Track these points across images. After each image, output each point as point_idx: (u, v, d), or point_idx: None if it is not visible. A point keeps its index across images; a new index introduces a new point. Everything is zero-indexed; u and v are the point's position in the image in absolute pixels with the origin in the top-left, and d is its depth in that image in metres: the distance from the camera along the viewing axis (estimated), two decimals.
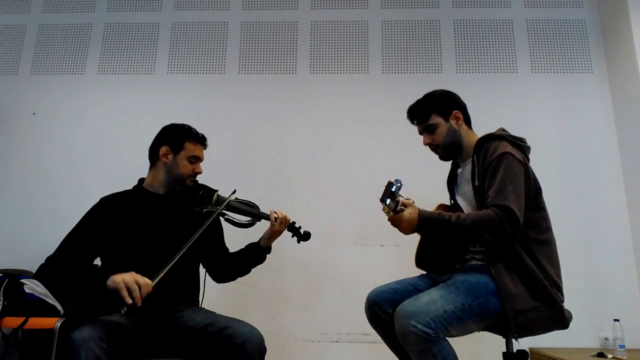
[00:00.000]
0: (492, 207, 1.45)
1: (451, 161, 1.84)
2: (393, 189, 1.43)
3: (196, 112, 2.88)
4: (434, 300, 1.43)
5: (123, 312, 1.37)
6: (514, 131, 1.69)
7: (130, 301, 1.37)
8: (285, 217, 1.80)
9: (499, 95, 2.86)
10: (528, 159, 1.64)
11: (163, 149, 1.76)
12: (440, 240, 1.66)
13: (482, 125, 1.77)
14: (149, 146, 1.82)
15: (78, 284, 1.54)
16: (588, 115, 2.82)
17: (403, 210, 1.50)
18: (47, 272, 1.56)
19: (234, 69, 3.00)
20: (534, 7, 3.02)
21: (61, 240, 1.64)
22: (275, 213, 1.79)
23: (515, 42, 2.96)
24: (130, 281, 1.39)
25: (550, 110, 2.84)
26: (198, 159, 1.80)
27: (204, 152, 1.84)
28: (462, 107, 1.75)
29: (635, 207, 2.62)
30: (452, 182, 1.83)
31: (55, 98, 2.97)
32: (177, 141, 1.77)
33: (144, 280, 1.41)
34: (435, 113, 1.71)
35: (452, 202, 1.83)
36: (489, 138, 1.62)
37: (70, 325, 1.82)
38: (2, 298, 2.10)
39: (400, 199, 1.49)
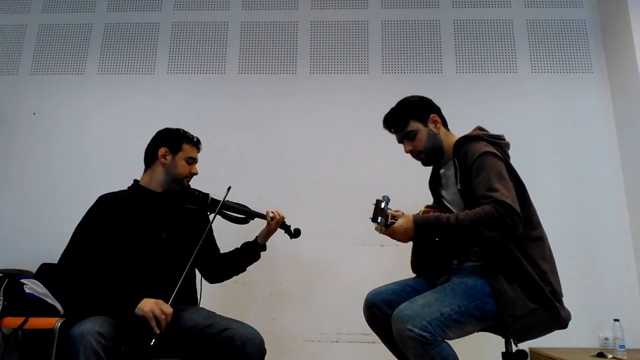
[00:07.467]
0: (488, 203, 1.43)
1: None
2: (382, 206, 1.50)
3: (196, 112, 2.89)
4: (429, 303, 1.43)
5: (152, 343, 1.42)
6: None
7: (158, 331, 1.44)
8: (282, 217, 1.89)
9: (499, 95, 2.86)
10: (508, 156, 1.61)
11: (162, 150, 1.81)
12: (436, 242, 1.66)
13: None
14: (145, 148, 1.86)
15: (98, 294, 1.56)
16: (588, 115, 2.82)
17: (394, 222, 1.54)
18: (64, 279, 1.60)
19: (234, 69, 3.00)
20: (534, 7, 3.02)
21: (60, 240, 1.65)
22: (272, 213, 1.88)
23: (515, 42, 2.96)
24: (157, 311, 1.46)
25: (550, 110, 2.83)
26: (194, 160, 1.87)
27: (198, 155, 1.90)
28: (438, 110, 1.74)
29: (635, 207, 2.62)
30: (436, 184, 1.82)
31: (55, 98, 2.97)
32: (175, 143, 1.83)
33: (168, 309, 1.49)
34: (413, 119, 1.70)
35: (436, 204, 1.81)
36: (466, 140, 1.60)
37: (70, 324, 1.83)
38: (2, 298, 2.10)
39: (389, 212, 1.54)
